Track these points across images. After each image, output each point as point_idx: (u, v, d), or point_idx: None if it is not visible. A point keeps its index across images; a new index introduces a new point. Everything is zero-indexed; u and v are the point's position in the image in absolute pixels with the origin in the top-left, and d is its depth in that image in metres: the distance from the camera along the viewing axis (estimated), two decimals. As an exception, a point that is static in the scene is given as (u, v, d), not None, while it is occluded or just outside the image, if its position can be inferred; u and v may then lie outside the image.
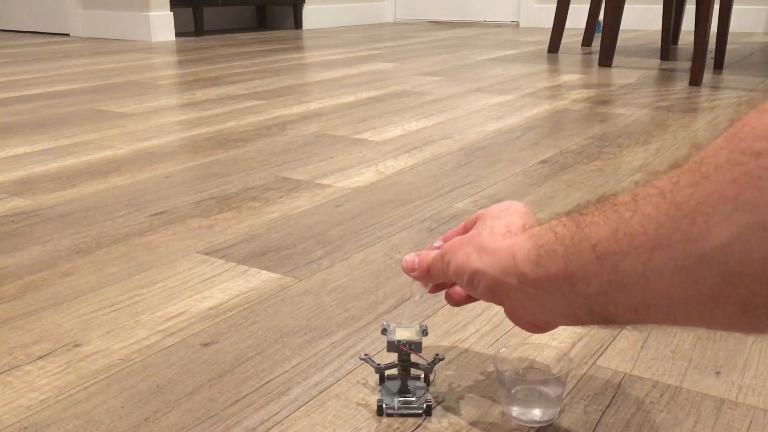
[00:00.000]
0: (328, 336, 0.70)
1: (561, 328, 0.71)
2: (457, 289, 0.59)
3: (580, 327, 0.71)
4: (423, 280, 0.60)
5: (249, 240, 0.95)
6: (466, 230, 0.59)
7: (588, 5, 3.16)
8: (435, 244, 0.60)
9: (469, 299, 0.60)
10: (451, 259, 0.55)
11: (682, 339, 0.69)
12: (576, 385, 0.62)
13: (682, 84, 2.25)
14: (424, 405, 0.57)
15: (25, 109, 1.86)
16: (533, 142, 1.49)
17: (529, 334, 0.70)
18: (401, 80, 2.35)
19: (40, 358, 0.66)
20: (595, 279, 0.44)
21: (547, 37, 3.32)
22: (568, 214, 0.48)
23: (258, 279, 0.83)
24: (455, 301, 0.61)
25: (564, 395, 0.59)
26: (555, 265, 0.46)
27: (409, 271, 0.60)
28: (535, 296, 0.49)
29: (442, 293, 0.62)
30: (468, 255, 0.53)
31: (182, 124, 1.68)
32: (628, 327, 0.62)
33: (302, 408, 0.59)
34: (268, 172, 1.27)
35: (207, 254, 0.90)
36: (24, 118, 1.75)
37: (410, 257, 0.60)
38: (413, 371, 0.59)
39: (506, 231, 0.52)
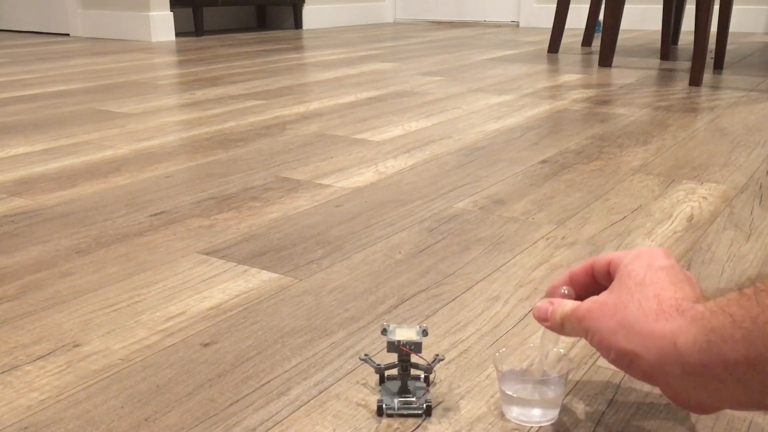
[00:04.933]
0: (328, 336, 0.70)
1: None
2: None
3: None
4: (556, 332, 0.55)
5: (249, 240, 0.95)
6: (594, 276, 0.55)
7: (588, 5, 3.16)
8: (563, 291, 0.57)
9: None
10: (590, 328, 0.50)
11: (682, 339, 0.69)
12: (576, 385, 0.62)
13: (682, 84, 2.25)
14: (424, 405, 0.57)
15: (25, 109, 1.86)
16: (533, 142, 1.49)
17: (529, 334, 0.70)
18: (401, 80, 2.35)
19: (40, 358, 0.66)
20: None
21: (547, 37, 3.32)
22: (739, 290, 0.43)
23: (258, 279, 0.83)
24: None
25: (564, 395, 0.59)
26: (733, 351, 0.42)
27: (541, 321, 0.55)
28: (704, 384, 0.45)
29: None
30: (614, 332, 0.48)
31: (182, 124, 1.68)
32: None
33: (302, 408, 0.59)
34: (268, 172, 1.27)
35: (207, 254, 0.90)
36: (24, 118, 1.75)
37: (544, 305, 0.55)
38: (413, 371, 0.59)
39: (658, 309, 0.47)
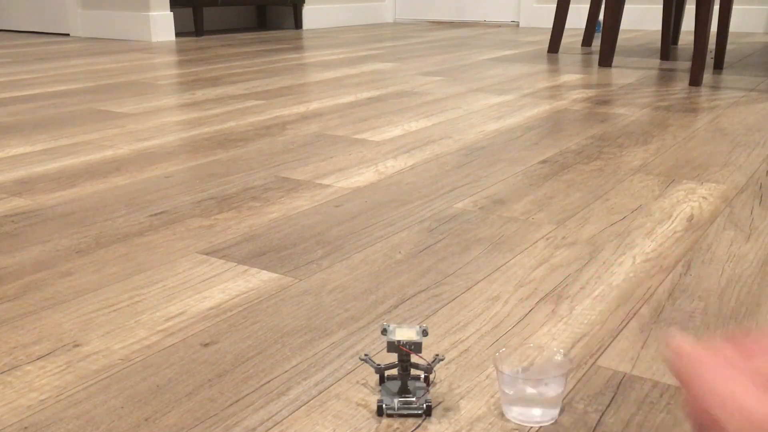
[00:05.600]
0: (328, 336, 0.70)
1: (561, 327, 0.71)
2: None
3: (581, 327, 0.71)
4: (679, 381, 0.39)
5: (249, 240, 0.95)
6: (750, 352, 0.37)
7: (588, 5, 3.16)
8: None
9: None
10: None
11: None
12: (576, 385, 0.62)
13: (682, 84, 2.25)
14: (424, 405, 0.57)
15: (25, 109, 1.86)
16: (533, 142, 1.49)
17: (529, 334, 0.70)
18: (401, 80, 2.35)
19: (40, 358, 0.66)
20: None
21: (547, 37, 3.32)
22: None
23: (258, 279, 0.83)
24: None
25: (564, 395, 0.59)
26: None
27: (679, 367, 0.38)
28: None
29: None
30: None
31: (182, 124, 1.68)
32: None
33: (302, 408, 0.59)
34: (268, 172, 1.27)
35: (207, 254, 0.90)
36: (24, 118, 1.75)
37: (691, 348, 0.38)
38: (413, 371, 0.59)
39: None
